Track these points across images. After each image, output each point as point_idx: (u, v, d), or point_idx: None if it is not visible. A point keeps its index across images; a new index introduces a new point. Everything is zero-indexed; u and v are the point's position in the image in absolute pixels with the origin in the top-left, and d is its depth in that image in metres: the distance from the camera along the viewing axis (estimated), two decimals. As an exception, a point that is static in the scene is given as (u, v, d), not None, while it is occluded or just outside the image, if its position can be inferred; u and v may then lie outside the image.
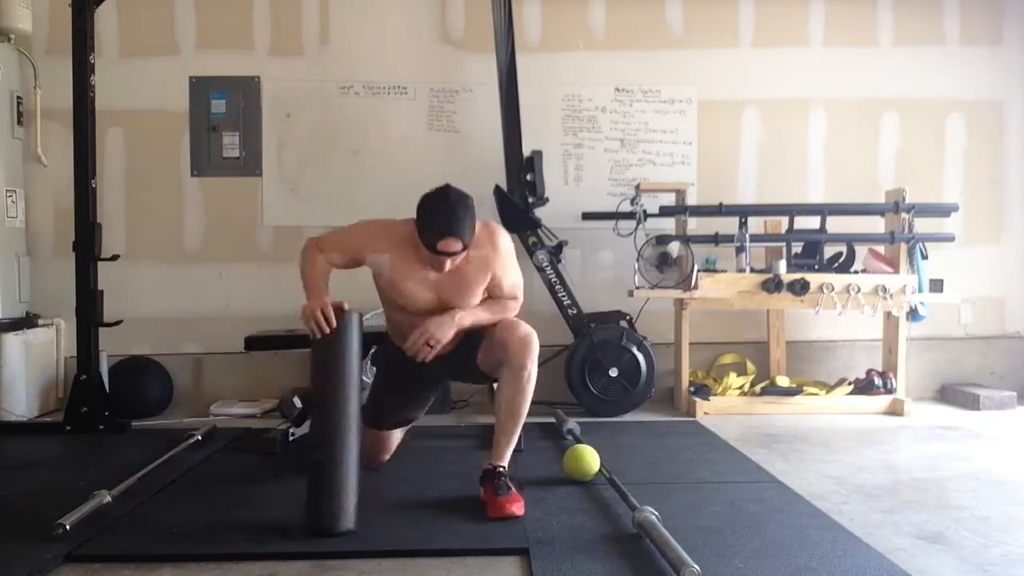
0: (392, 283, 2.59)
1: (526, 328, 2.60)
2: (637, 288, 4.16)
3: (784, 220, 4.32)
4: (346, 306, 2.46)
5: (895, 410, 4.12)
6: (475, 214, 2.46)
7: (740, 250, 4.20)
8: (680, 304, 4.23)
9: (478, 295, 2.63)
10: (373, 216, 2.76)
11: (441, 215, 2.39)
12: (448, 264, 2.46)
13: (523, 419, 2.63)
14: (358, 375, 2.43)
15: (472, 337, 2.67)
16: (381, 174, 4.51)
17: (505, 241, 2.63)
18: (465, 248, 2.45)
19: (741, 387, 4.28)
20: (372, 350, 3.11)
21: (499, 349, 2.58)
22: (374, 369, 3.07)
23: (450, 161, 4.48)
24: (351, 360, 2.41)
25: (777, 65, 4.64)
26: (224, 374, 4.47)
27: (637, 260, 4.16)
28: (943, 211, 4.35)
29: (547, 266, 4.17)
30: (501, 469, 2.53)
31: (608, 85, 4.60)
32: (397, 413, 2.91)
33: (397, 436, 3.01)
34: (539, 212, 4.22)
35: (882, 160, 4.68)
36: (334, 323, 2.40)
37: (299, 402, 4.06)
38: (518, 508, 2.43)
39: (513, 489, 2.48)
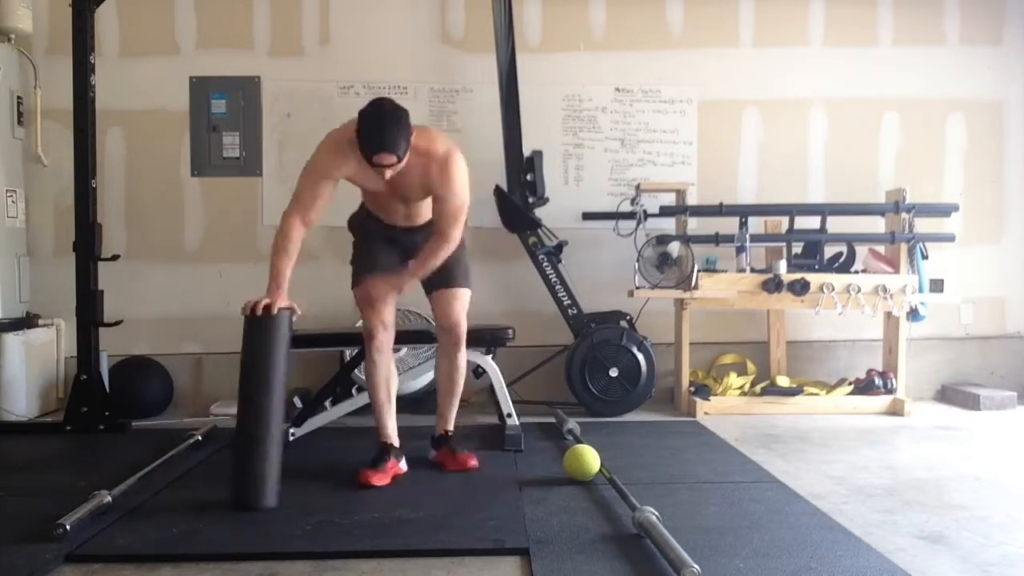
0: (362, 188, 2.89)
1: (460, 317, 2.95)
2: (637, 288, 4.16)
3: (784, 220, 4.32)
4: (297, 312, 2.66)
5: (895, 410, 4.12)
6: (409, 125, 2.61)
7: (740, 250, 4.20)
8: (680, 304, 4.23)
9: (426, 195, 2.83)
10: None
11: (375, 131, 2.57)
12: (388, 173, 2.63)
13: (461, 387, 3.04)
14: (283, 372, 2.61)
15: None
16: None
17: (443, 147, 2.76)
18: (400, 160, 2.61)
19: (741, 387, 4.28)
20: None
21: (441, 318, 2.96)
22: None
23: (450, 161, 4.48)
24: (279, 359, 2.59)
25: (777, 65, 4.64)
26: (224, 374, 4.44)
27: (637, 260, 4.16)
28: (943, 211, 4.36)
29: (547, 266, 4.17)
30: (451, 432, 2.99)
31: (608, 85, 4.60)
32: (382, 258, 3.01)
33: (391, 302, 2.95)
34: (539, 212, 4.22)
35: (882, 160, 4.67)
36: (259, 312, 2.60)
37: (299, 402, 4.06)
38: (475, 462, 2.88)
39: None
